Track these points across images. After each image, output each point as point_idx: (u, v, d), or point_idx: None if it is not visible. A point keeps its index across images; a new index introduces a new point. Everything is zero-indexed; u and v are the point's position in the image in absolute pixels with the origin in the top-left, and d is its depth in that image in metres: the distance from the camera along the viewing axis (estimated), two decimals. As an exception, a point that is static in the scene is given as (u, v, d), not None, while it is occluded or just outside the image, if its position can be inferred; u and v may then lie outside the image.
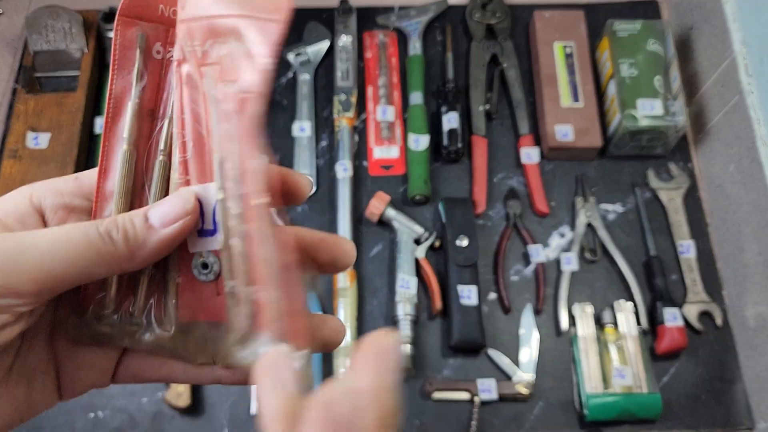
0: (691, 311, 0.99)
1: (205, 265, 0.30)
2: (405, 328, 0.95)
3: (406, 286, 0.97)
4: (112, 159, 0.30)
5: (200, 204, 0.29)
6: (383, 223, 1.04)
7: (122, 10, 0.29)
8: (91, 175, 0.31)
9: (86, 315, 0.29)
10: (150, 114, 0.30)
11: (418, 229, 1.02)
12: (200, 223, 0.29)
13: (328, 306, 0.99)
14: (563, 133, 1.07)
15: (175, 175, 0.30)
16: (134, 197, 0.30)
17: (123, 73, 0.30)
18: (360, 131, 1.13)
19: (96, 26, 1.15)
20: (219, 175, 0.28)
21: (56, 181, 0.31)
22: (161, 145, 0.30)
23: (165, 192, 0.30)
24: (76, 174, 0.31)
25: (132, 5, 0.29)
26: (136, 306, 0.30)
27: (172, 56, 0.30)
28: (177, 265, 0.30)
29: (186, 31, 0.29)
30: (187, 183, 0.29)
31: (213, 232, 0.29)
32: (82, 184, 0.31)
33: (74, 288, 0.29)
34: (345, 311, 0.96)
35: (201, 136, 0.29)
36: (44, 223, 0.29)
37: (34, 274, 0.26)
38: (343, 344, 0.94)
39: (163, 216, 0.28)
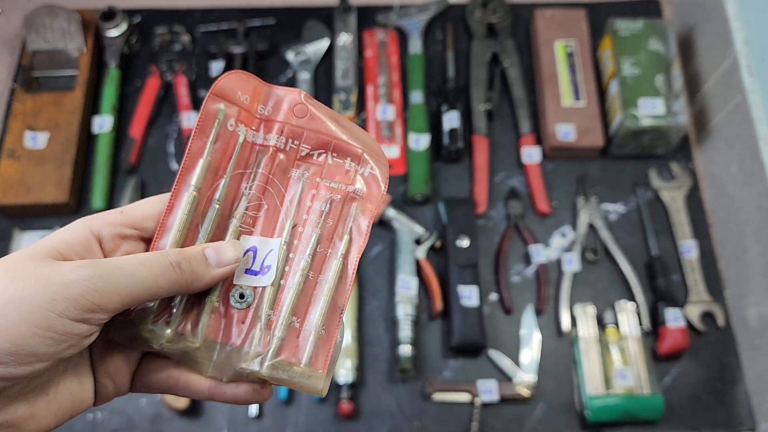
0: (693, 312, 0.99)
1: (242, 296, 0.37)
2: (405, 329, 0.95)
3: (407, 286, 0.97)
4: (178, 199, 0.37)
5: (254, 251, 0.37)
6: (383, 223, 1.04)
7: (213, 90, 0.38)
8: (133, 208, 0.37)
9: (130, 318, 0.35)
10: (214, 171, 0.38)
11: (419, 230, 1.02)
12: (250, 263, 0.37)
13: (328, 307, 0.99)
14: (564, 132, 1.06)
15: (236, 223, 0.38)
16: (188, 233, 0.37)
17: (202, 136, 0.37)
18: (360, 131, 1.12)
19: (94, 25, 1.14)
20: (287, 234, 0.38)
21: (106, 214, 0.37)
22: (217, 196, 0.38)
23: (213, 232, 0.38)
24: (121, 208, 0.37)
25: (221, 88, 0.38)
26: (173, 319, 0.36)
27: (239, 130, 0.39)
28: (219, 292, 0.37)
29: (296, 133, 0.39)
30: (250, 233, 0.38)
31: (257, 273, 0.37)
32: (128, 217, 0.37)
33: None
34: (345, 311, 0.96)
35: (276, 205, 0.38)
36: (102, 249, 0.35)
37: (121, 295, 0.32)
38: (343, 344, 0.94)
39: (220, 260, 0.36)
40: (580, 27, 1.14)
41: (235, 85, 0.38)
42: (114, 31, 1.14)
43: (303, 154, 0.39)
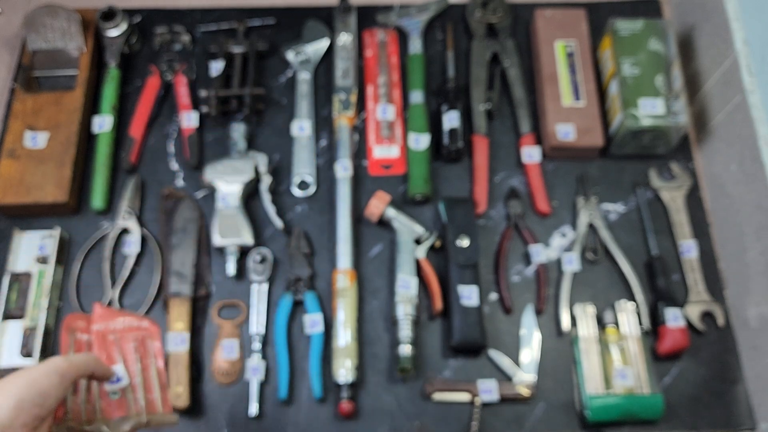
0: (693, 311, 0.99)
1: (114, 393, 0.70)
2: (405, 329, 0.95)
3: (407, 286, 0.97)
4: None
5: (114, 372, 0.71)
6: (383, 223, 1.04)
7: (65, 324, 0.74)
8: None
9: (60, 425, 0.66)
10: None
11: (419, 229, 1.02)
12: (113, 378, 0.70)
13: (327, 306, 0.99)
14: (564, 132, 1.06)
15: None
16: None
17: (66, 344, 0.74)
18: (360, 130, 1.12)
19: (94, 25, 1.14)
20: (122, 365, 0.72)
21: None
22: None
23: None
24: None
25: (67, 323, 0.74)
26: (82, 415, 0.68)
27: (89, 338, 0.74)
28: (101, 399, 0.70)
29: (104, 331, 0.74)
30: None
31: (116, 382, 0.70)
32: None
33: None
34: (345, 312, 0.96)
35: (111, 356, 0.72)
36: None
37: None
38: (343, 344, 0.94)
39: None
40: (580, 27, 1.14)
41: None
42: (114, 31, 1.14)
43: (111, 337, 0.74)
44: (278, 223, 1.03)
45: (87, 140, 1.10)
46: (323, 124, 1.13)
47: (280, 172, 1.09)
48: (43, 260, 0.99)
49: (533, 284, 1.02)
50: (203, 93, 1.09)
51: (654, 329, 0.98)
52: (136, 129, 1.10)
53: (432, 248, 1.02)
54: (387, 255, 1.03)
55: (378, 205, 1.02)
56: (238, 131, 1.08)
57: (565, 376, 0.96)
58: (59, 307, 1.00)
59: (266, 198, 1.04)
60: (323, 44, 1.17)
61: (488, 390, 0.93)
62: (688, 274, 1.01)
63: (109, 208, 1.06)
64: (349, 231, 1.02)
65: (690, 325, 0.98)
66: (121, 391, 0.70)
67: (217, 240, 1.00)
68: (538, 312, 0.99)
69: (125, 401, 0.70)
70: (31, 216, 1.04)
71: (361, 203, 1.06)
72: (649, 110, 1.04)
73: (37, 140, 1.05)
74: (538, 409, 0.94)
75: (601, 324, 0.97)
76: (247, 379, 0.95)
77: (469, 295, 0.96)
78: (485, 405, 0.94)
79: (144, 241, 1.03)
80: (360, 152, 1.11)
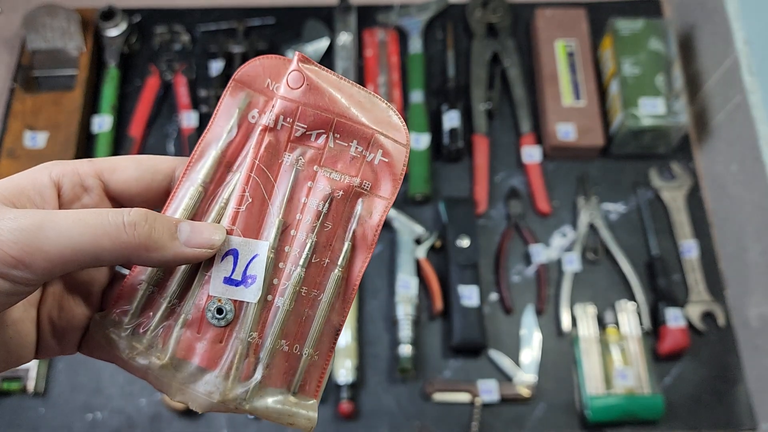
0: (694, 312, 0.98)
1: (220, 311, 0.31)
2: (405, 329, 0.95)
3: (407, 286, 0.97)
4: (181, 191, 0.33)
5: (234, 255, 0.31)
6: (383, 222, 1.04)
7: (237, 76, 0.33)
8: (106, 161, 0.33)
9: (107, 319, 0.31)
10: (227, 165, 0.33)
11: (419, 229, 1.01)
12: (230, 271, 0.31)
13: (327, 306, 0.99)
14: (565, 132, 1.06)
15: (225, 221, 0.32)
16: None
17: (220, 124, 0.33)
18: (360, 130, 1.12)
19: (94, 25, 1.14)
20: (276, 238, 0.31)
21: (73, 162, 0.33)
22: (225, 194, 0.32)
23: None
24: (90, 159, 0.33)
25: (246, 74, 0.33)
26: (149, 327, 0.31)
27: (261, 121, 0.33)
28: (193, 302, 0.31)
29: (292, 109, 0.32)
30: (230, 231, 0.31)
31: (239, 283, 0.31)
32: (96, 166, 0.33)
33: (96, 286, 0.33)
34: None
35: (263, 199, 0.31)
36: (60, 198, 0.32)
37: (48, 253, 0.27)
38: (343, 344, 0.94)
39: (191, 238, 0.30)
40: (580, 26, 1.14)
41: (264, 71, 0.33)
42: (113, 31, 1.14)
43: (297, 134, 0.32)
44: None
45: (86, 140, 1.10)
46: (323, 123, 1.12)
47: (280, 171, 1.09)
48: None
49: (533, 284, 1.01)
50: (203, 93, 1.09)
51: (654, 329, 0.97)
52: (136, 129, 1.10)
53: (432, 248, 1.02)
54: (387, 255, 1.03)
55: (378, 205, 1.02)
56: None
57: (565, 376, 0.96)
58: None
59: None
60: (323, 44, 1.17)
61: (488, 390, 0.93)
62: (689, 274, 1.01)
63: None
64: (349, 231, 1.02)
65: (690, 325, 0.98)
66: (234, 309, 0.31)
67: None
68: (539, 312, 0.99)
69: (230, 340, 0.31)
70: (30, 216, 1.04)
71: (361, 203, 1.06)
72: (650, 110, 1.04)
73: (36, 140, 1.05)
74: (538, 409, 0.94)
75: (601, 324, 0.97)
76: (247, 379, 0.94)
77: (469, 295, 0.95)
78: (485, 405, 0.94)
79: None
80: (360, 152, 1.10)
